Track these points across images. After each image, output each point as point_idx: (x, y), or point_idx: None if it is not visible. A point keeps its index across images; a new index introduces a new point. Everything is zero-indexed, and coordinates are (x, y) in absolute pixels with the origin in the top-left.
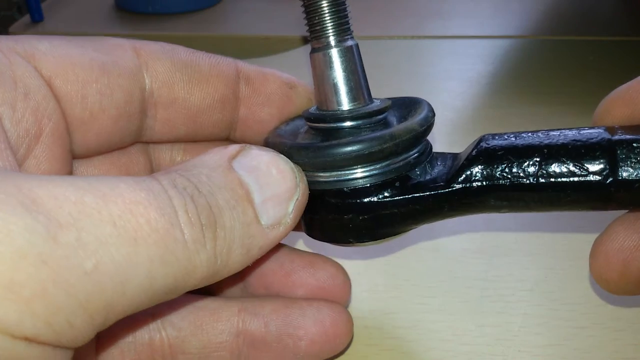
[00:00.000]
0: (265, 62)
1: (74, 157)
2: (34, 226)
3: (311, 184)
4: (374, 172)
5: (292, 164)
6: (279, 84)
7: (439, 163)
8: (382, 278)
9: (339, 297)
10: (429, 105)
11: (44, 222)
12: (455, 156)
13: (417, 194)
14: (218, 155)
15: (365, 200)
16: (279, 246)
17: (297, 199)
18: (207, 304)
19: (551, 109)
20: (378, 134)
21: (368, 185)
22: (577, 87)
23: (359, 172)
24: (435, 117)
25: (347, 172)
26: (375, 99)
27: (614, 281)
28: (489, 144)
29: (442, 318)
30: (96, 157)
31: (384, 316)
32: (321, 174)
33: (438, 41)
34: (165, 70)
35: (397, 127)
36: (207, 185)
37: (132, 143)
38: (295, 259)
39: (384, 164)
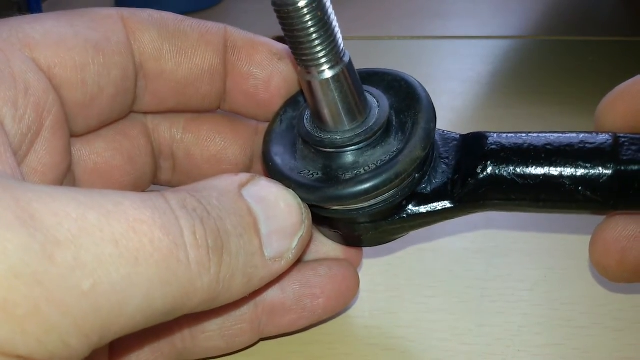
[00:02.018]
0: None
1: (76, 135)
2: (29, 244)
3: (320, 210)
4: (382, 200)
5: (299, 199)
6: (266, 54)
7: (441, 159)
8: (382, 278)
9: (354, 262)
10: (428, 102)
11: (41, 240)
12: (458, 147)
13: (424, 211)
14: (228, 181)
15: (375, 222)
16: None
17: (302, 236)
18: None
19: (551, 109)
20: (382, 170)
21: (377, 211)
22: (576, 87)
23: (367, 203)
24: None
25: (355, 205)
26: (366, 89)
27: (612, 269)
28: (493, 158)
29: (442, 318)
30: (99, 144)
31: (384, 316)
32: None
33: (438, 41)
34: (152, 42)
35: (401, 161)
36: (217, 209)
37: (128, 113)
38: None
39: (391, 192)
